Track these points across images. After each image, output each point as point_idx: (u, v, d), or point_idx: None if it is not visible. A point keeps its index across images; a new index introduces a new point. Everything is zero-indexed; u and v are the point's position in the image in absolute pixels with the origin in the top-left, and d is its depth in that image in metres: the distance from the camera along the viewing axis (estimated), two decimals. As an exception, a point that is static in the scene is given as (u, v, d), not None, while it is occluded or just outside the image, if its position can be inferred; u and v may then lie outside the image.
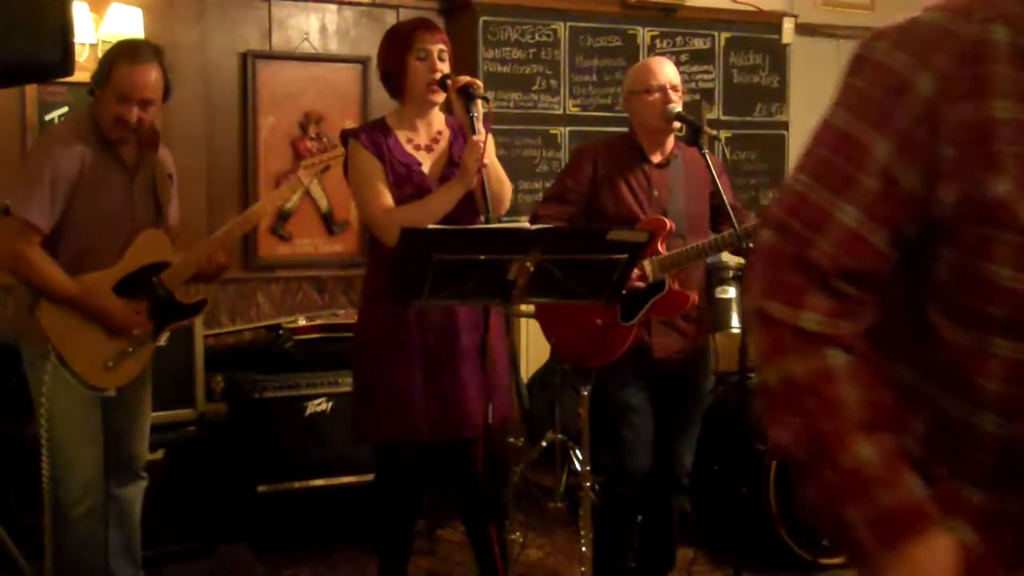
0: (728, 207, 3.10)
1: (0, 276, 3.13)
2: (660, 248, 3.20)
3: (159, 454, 3.64)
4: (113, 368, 3.06)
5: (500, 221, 2.97)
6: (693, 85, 5.41)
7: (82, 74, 4.22)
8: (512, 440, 3.70)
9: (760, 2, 5.59)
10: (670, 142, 3.34)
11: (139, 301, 3.07)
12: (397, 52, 3.00)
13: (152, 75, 3.00)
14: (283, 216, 4.85)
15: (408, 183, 2.99)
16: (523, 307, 3.68)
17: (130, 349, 3.08)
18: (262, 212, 3.28)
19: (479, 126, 2.89)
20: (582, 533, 3.40)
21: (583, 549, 3.40)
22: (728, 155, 5.44)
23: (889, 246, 1.18)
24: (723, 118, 5.53)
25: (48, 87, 4.33)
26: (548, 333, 3.45)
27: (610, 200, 3.24)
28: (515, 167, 4.97)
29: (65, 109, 4.41)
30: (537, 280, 2.46)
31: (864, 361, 1.19)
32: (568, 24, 5.17)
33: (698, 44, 5.47)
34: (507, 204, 3.06)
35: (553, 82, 5.17)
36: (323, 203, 4.92)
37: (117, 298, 3.04)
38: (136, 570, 3.34)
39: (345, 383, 3.79)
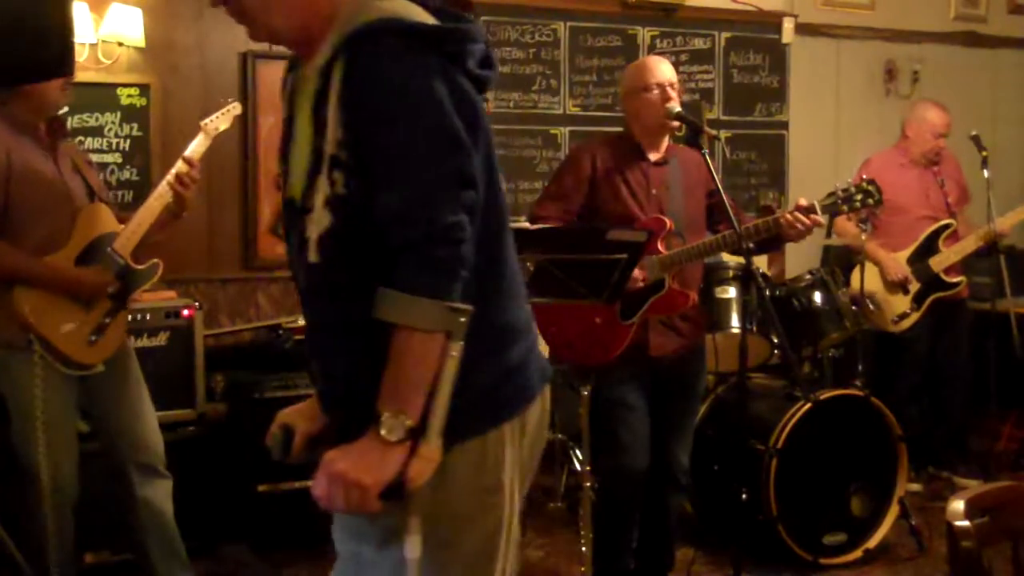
0: (728, 207, 3.10)
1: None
2: (659, 247, 3.20)
3: (159, 454, 3.64)
4: (96, 342, 3.11)
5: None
6: (693, 85, 5.41)
7: (82, 74, 4.25)
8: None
9: (760, 2, 5.59)
10: (666, 141, 3.34)
11: (102, 268, 3.13)
12: None
13: None
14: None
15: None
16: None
17: (107, 320, 3.13)
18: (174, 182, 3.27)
19: (479, 126, 2.89)
20: (582, 533, 3.40)
21: (583, 549, 3.40)
22: (728, 155, 5.44)
23: None
24: (723, 118, 5.53)
25: (48, 87, 4.31)
26: (544, 332, 3.44)
27: (609, 198, 3.24)
28: (515, 167, 4.97)
29: (65, 109, 4.39)
30: (537, 280, 2.46)
31: None
32: (568, 24, 5.17)
33: (698, 44, 5.47)
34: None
35: (553, 82, 5.17)
36: (323, 203, 4.91)
37: (82, 268, 3.09)
38: (187, 571, 3.33)
39: (345, 383, 3.78)
